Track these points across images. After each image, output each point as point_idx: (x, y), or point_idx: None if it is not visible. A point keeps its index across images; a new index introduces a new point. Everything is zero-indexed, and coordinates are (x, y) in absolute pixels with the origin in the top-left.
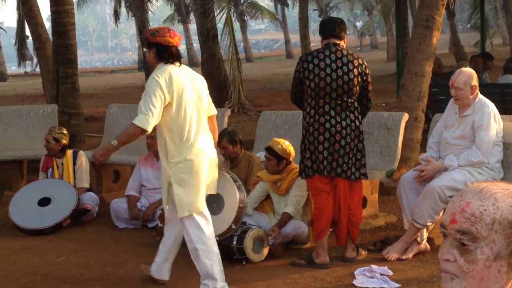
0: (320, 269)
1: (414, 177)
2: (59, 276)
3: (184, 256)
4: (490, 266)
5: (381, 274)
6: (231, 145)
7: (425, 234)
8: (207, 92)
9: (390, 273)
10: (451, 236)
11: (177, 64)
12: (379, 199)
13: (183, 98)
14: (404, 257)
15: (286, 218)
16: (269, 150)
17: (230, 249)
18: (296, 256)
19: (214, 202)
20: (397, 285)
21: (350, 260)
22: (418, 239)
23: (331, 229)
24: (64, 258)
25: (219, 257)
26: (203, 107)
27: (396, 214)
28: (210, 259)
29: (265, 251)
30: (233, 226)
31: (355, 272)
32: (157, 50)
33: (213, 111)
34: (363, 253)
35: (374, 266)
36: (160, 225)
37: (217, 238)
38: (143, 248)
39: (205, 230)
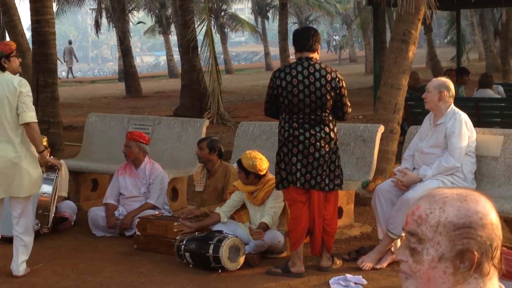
0: (295, 278)
1: (394, 184)
2: (36, 283)
3: (160, 265)
4: (435, 267)
5: (355, 283)
6: (208, 150)
7: (399, 244)
8: (23, 99)
9: (365, 282)
10: (405, 237)
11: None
12: (355, 209)
13: None
14: (378, 267)
15: (263, 228)
16: (239, 163)
17: (206, 258)
18: (272, 265)
19: None
20: None
21: (325, 269)
22: (392, 249)
23: (307, 239)
24: (41, 266)
25: None
26: (4, 115)
27: (371, 225)
28: None
29: (241, 259)
30: (39, 211)
31: (330, 281)
32: None
33: (23, 119)
34: (338, 262)
35: (348, 275)
36: (138, 233)
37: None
38: (120, 256)
39: None
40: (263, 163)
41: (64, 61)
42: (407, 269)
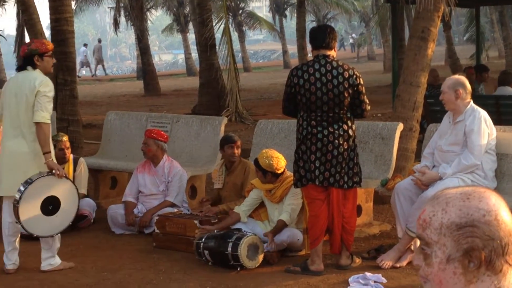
0: (314, 276)
1: (414, 183)
2: (56, 281)
3: (179, 263)
4: (445, 269)
5: (375, 282)
6: (240, 149)
7: (418, 243)
8: (39, 99)
9: (384, 280)
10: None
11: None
12: (374, 207)
13: (3, 100)
14: (398, 265)
15: (281, 226)
16: (255, 162)
17: (225, 256)
18: (291, 263)
19: (51, 204)
20: None
21: (345, 268)
22: (412, 247)
23: (326, 237)
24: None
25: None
26: (20, 111)
27: (391, 223)
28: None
29: (260, 257)
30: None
31: (349, 280)
32: None
33: (35, 118)
34: (358, 260)
35: (368, 274)
36: (156, 231)
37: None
38: (139, 254)
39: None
40: (280, 162)
41: (94, 59)
42: (423, 273)
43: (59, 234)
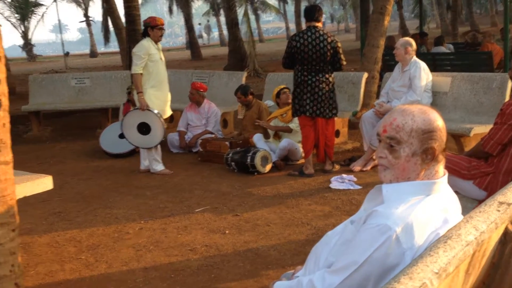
0: (307, 178)
1: (374, 113)
2: (133, 183)
3: (216, 171)
4: (409, 161)
5: (349, 180)
6: (243, 96)
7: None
8: (132, 58)
9: (355, 179)
10: (383, 141)
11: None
12: (348, 131)
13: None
14: (364, 169)
15: (287, 128)
16: (277, 94)
17: (246, 165)
18: (292, 169)
19: (144, 127)
20: (359, 187)
21: (328, 171)
22: (374, 157)
23: (315, 150)
24: (136, 172)
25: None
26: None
27: (359, 141)
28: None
29: (269, 166)
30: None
31: (331, 179)
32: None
33: (131, 70)
34: (337, 167)
35: (344, 175)
36: (200, 150)
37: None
38: (188, 165)
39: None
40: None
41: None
42: (386, 163)
43: (160, 151)
